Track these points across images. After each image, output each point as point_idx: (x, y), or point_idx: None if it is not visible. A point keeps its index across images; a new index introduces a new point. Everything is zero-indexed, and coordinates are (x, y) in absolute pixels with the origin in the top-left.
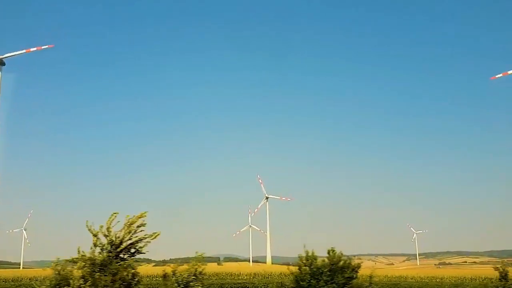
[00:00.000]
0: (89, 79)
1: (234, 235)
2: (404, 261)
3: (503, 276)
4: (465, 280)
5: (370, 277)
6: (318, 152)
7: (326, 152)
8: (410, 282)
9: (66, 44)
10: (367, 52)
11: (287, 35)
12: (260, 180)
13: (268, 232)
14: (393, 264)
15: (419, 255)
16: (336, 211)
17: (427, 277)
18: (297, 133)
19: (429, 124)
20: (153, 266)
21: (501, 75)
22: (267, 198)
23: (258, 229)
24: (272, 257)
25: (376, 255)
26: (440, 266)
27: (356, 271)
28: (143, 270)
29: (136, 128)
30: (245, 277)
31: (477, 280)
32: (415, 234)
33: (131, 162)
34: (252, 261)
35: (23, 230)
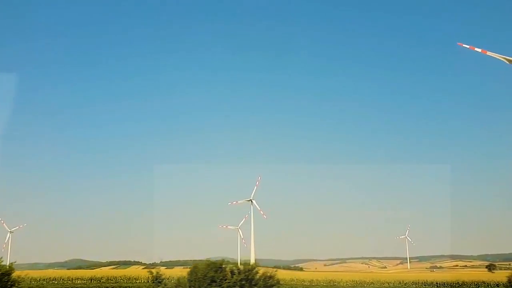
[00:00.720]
0: (88, 79)
1: (219, 226)
2: (397, 264)
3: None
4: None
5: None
6: (312, 152)
7: (320, 153)
8: None
9: (65, 44)
10: (367, 52)
11: (287, 35)
12: (257, 182)
13: (252, 236)
14: (386, 268)
15: (413, 259)
16: (330, 214)
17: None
18: (293, 133)
19: (425, 125)
20: (143, 269)
21: (468, 47)
22: (251, 200)
23: (242, 237)
24: (263, 260)
25: (370, 258)
26: (434, 270)
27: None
28: (130, 272)
29: (135, 128)
30: None
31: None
32: (406, 236)
33: (129, 162)
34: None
35: (9, 233)
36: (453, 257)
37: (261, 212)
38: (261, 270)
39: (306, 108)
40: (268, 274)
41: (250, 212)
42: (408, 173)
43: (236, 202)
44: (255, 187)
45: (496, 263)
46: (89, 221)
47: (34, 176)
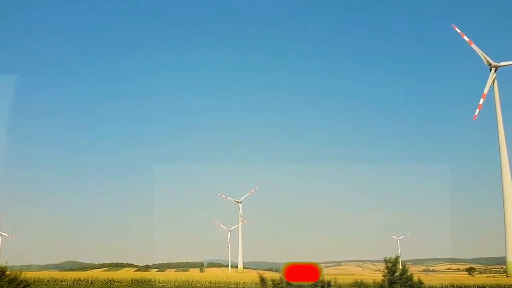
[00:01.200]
0: (88, 79)
1: (214, 220)
2: None
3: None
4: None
5: None
6: (311, 152)
7: (319, 153)
8: None
9: (65, 44)
10: (367, 53)
11: (287, 35)
12: (253, 190)
13: (240, 238)
14: (380, 271)
15: (408, 262)
16: (327, 215)
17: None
18: (293, 133)
19: (425, 126)
20: (135, 271)
21: (459, 32)
22: (239, 202)
23: (228, 241)
24: (256, 262)
25: (365, 261)
26: (429, 273)
27: None
28: (123, 274)
29: (135, 128)
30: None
31: None
32: (398, 239)
33: (129, 162)
34: (236, 267)
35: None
36: (447, 260)
37: (242, 217)
38: (24, 274)
39: (306, 108)
40: (13, 276)
41: (239, 214)
42: (407, 173)
43: (226, 196)
44: (249, 193)
45: (489, 267)
46: (87, 222)
47: (32, 177)
